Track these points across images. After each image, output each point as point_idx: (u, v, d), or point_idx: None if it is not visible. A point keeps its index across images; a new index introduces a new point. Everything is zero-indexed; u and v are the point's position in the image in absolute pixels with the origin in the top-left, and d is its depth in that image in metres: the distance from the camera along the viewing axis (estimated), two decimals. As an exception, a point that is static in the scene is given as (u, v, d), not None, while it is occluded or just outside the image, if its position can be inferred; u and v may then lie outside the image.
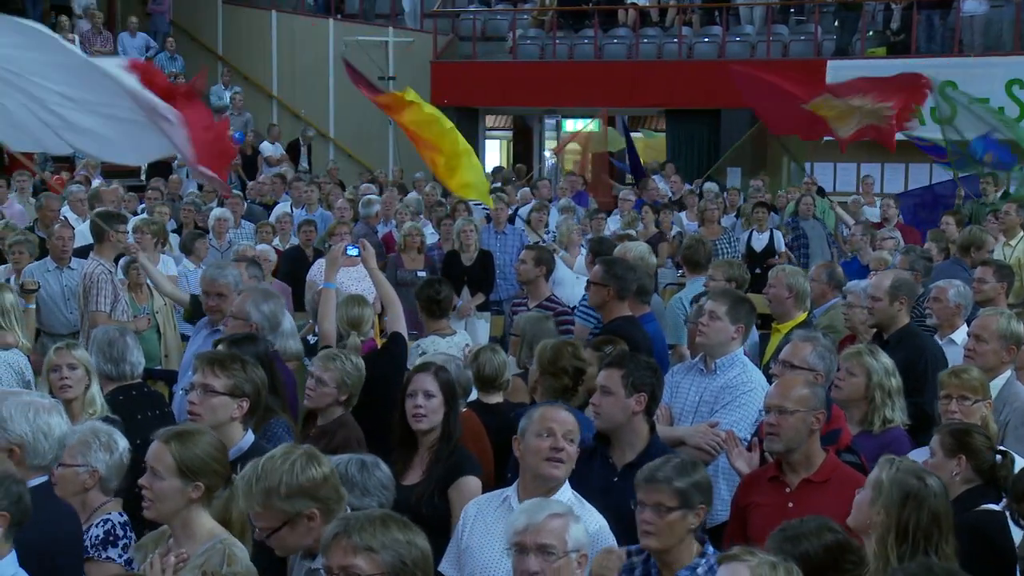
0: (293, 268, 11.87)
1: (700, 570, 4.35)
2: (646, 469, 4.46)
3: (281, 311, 6.82)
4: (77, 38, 21.81)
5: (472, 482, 5.22)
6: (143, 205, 15.02)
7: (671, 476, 4.35)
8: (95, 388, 5.86)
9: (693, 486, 4.36)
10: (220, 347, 5.77)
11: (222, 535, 4.10)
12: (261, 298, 6.78)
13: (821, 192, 18.14)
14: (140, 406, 6.24)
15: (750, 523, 5.01)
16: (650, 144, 22.23)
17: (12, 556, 3.55)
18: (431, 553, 3.52)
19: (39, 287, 9.10)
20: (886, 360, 5.96)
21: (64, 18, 22.26)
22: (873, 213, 15.32)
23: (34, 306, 8.89)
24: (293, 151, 21.99)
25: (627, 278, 7.42)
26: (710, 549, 4.41)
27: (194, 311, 8.29)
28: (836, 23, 22.29)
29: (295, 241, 13.25)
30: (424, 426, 5.29)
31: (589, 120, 21.36)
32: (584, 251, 11.77)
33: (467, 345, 8.10)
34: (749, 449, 5.47)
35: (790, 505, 4.90)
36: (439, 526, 5.01)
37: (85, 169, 18.38)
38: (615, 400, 5.23)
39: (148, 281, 9.66)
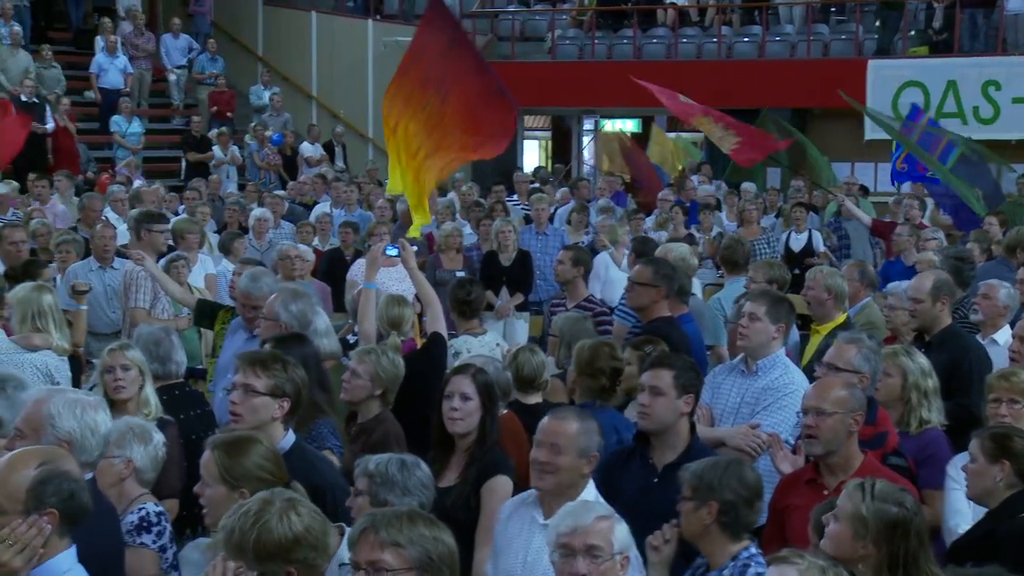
0: (332, 269, 11.93)
1: (727, 572, 4.36)
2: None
3: (311, 310, 6.82)
4: (120, 39, 22.01)
5: (504, 481, 5.20)
6: (183, 206, 15.12)
7: (697, 469, 4.46)
8: (149, 388, 5.91)
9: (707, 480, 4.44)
10: (267, 347, 5.79)
11: None
12: (290, 298, 6.81)
13: (864, 192, 18.04)
14: (183, 405, 6.31)
15: (788, 525, 4.99)
16: (675, 147, 22.13)
17: (68, 553, 3.57)
18: (457, 551, 3.52)
19: (90, 288, 9.17)
20: (922, 360, 5.92)
21: (107, 19, 22.44)
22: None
23: (86, 307, 8.96)
24: (329, 151, 22.09)
25: (674, 278, 7.43)
26: (747, 552, 4.40)
27: (199, 315, 8.30)
28: (877, 22, 22.13)
29: (335, 241, 13.31)
30: (459, 429, 5.29)
31: (629, 120, 21.33)
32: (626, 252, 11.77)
33: (498, 344, 8.14)
34: (794, 451, 5.45)
35: (828, 507, 4.89)
36: (474, 529, 5.02)
37: (126, 169, 18.54)
38: (667, 401, 5.23)
39: (189, 280, 9.74)
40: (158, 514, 4.86)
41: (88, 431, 4.37)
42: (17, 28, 20.60)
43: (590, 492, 4.70)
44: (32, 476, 3.48)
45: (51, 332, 6.62)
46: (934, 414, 5.83)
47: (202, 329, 9.58)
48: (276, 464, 4.25)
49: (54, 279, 9.47)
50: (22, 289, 6.74)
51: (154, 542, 4.78)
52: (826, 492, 4.94)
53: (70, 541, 3.56)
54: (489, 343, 7.98)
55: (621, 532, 3.96)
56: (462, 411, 5.28)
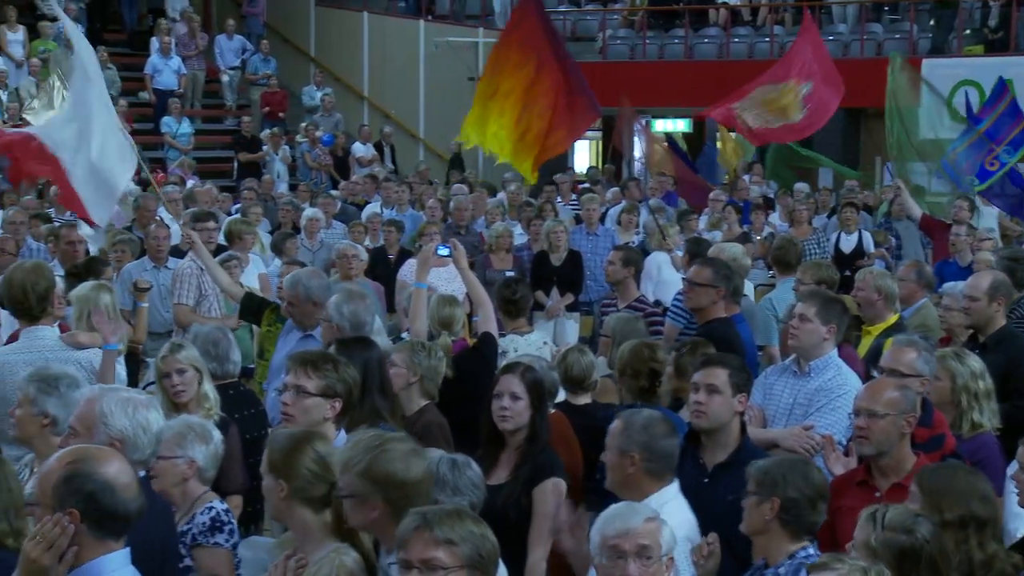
0: (374, 267, 11.98)
1: (782, 570, 4.34)
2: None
3: (364, 311, 6.83)
4: (174, 40, 22.20)
5: (557, 483, 5.21)
6: (237, 205, 15.23)
7: (763, 465, 4.45)
8: (207, 384, 5.95)
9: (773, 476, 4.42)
10: (331, 348, 5.82)
11: (336, 543, 4.12)
12: (344, 300, 6.84)
13: (919, 192, 17.85)
14: (238, 404, 6.35)
15: (839, 528, 4.95)
16: (733, 144, 21.99)
17: (113, 557, 3.54)
18: (499, 549, 3.53)
19: (151, 286, 9.25)
20: (973, 363, 5.86)
21: (162, 21, 22.65)
22: (991, 213, 14.97)
23: (147, 304, 9.03)
24: (378, 151, 22.18)
25: (732, 279, 7.41)
26: (804, 552, 4.38)
27: (245, 309, 8.33)
28: (932, 21, 21.94)
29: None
30: (509, 427, 5.30)
31: (680, 120, 21.25)
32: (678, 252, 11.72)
33: (545, 343, 8.15)
34: (846, 453, 5.42)
35: (879, 510, 4.85)
36: (525, 528, 5.03)
37: (179, 169, 18.71)
38: (723, 399, 5.24)
39: (241, 280, 9.79)
40: (226, 512, 4.90)
41: (140, 429, 4.40)
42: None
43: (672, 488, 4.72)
44: (59, 474, 3.50)
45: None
46: (986, 417, 5.77)
47: (253, 329, 9.64)
48: (324, 466, 4.21)
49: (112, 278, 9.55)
50: (83, 288, 6.81)
51: (227, 541, 4.82)
52: (878, 494, 4.91)
53: (117, 544, 3.52)
54: (536, 342, 8.00)
55: (667, 533, 3.95)
56: (512, 410, 5.30)
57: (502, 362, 6.73)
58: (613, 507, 4.11)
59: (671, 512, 4.62)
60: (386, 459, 3.97)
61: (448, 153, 23.09)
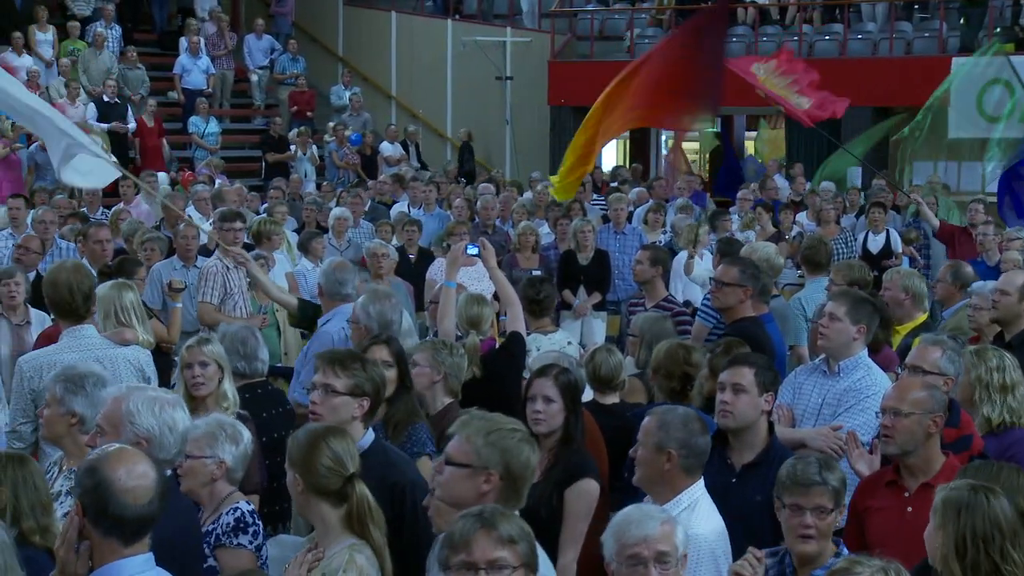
0: (396, 268, 12.01)
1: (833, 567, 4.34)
2: (795, 472, 4.45)
3: (391, 311, 6.85)
4: (203, 40, 22.29)
5: (590, 485, 5.22)
6: (265, 204, 15.28)
7: (827, 479, 4.38)
8: (228, 383, 5.95)
9: (841, 483, 4.41)
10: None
11: (354, 540, 4.15)
12: (370, 300, 6.85)
13: (946, 190, 17.78)
14: (265, 404, 6.37)
15: (867, 528, 4.95)
16: (769, 140, 21.92)
17: (133, 561, 3.50)
18: None
19: (185, 286, 9.28)
20: (993, 357, 5.82)
21: (191, 21, 22.74)
22: None
23: (180, 304, 9.07)
24: (405, 150, 22.22)
25: (760, 278, 7.40)
26: (845, 550, 4.39)
27: (302, 316, 8.36)
28: (961, 19, 21.80)
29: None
30: (543, 430, 5.31)
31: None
32: (707, 252, 11.70)
33: (569, 342, 8.15)
34: (871, 452, 5.41)
35: (909, 510, 4.84)
36: (557, 527, 5.03)
37: (207, 169, 18.78)
38: (750, 399, 5.25)
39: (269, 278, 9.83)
40: (251, 512, 4.90)
41: (167, 428, 4.43)
42: (101, 29, 20.96)
43: (697, 489, 4.72)
44: (80, 467, 3.54)
45: (135, 327, 6.71)
46: (996, 413, 5.69)
47: (280, 328, 9.68)
48: (338, 464, 4.22)
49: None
50: (103, 287, 6.84)
51: (251, 542, 4.82)
52: (907, 495, 4.90)
53: (129, 548, 3.49)
54: (560, 341, 8.01)
55: (680, 533, 3.94)
56: (545, 413, 5.32)
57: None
58: (626, 512, 4.05)
59: (703, 509, 4.63)
60: (516, 437, 4.06)
61: (475, 153, 23.11)
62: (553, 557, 4.91)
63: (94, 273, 8.02)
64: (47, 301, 6.57)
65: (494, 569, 3.35)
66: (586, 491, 5.19)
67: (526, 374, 6.51)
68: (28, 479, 4.26)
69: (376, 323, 6.72)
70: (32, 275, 9.28)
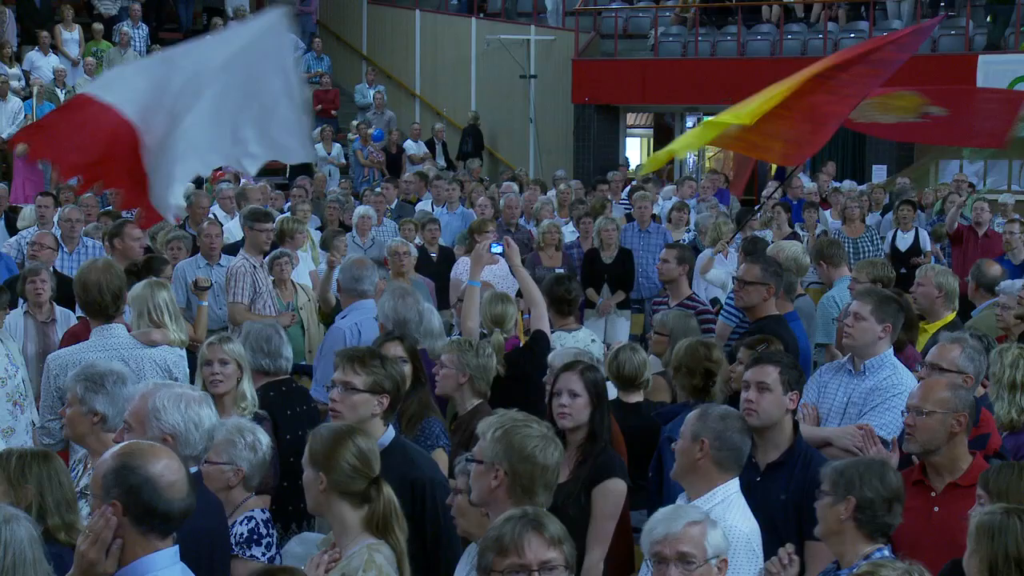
0: (417, 266, 12.01)
1: (856, 571, 4.31)
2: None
3: (406, 309, 6.84)
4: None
5: (618, 484, 5.21)
6: (289, 203, 15.30)
7: (839, 466, 4.43)
8: (247, 383, 5.94)
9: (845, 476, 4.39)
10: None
11: (372, 539, 4.15)
12: (388, 297, 6.86)
13: (972, 188, 17.69)
14: (290, 402, 6.36)
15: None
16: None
17: (161, 555, 3.52)
18: None
19: (211, 284, 9.30)
20: (1011, 353, 5.79)
21: (217, 19, 22.80)
22: None
23: (207, 303, 9.08)
24: (431, 149, 22.22)
25: (782, 276, 7.38)
26: (879, 554, 4.33)
27: (334, 313, 8.35)
28: (988, 17, 21.69)
29: (443, 240, 13.37)
30: (568, 424, 5.30)
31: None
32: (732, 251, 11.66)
33: (593, 340, 8.13)
34: (890, 450, 5.39)
35: (935, 509, 4.82)
36: (584, 526, 5.01)
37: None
38: (774, 397, 5.24)
39: (293, 277, 9.84)
40: (266, 522, 4.91)
41: (192, 425, 4.44)
42: (127, 29, 21.04)
43: (731, 487, 4.70)
44: (107, 467, 3.52)
45: (168, 326, 6.72)
46: (1003, 410, 5.66)
47: (305, 325, 9.68)
48: (364, 459, 4.24)
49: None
50: (137, 286, 6.83)
51: (263, 554, 4.83)
52: (933, 494, 4.87)
53: (164, 542, 3.53)
54: (584, 339, 7.99)
55: (715, 536, 3.90)
56: (571, 407, 5.30)
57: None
58: (663, 509, 4.08)
59: (738, 507, 4.61)
60: (525, 433, 4.07)
61: (499, 151, 23.11)
62: (580, 555, 4.91)
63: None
64: (78, 300, 6.54)
65: (546, 570, 3.37)
66: (613, 490, 5.18)
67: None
68: (53, 476, 4.28)
69: (391, 320, 6.72)
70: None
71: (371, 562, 4.03)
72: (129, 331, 6.46)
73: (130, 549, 3.47)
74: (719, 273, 10.97)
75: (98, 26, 21.20)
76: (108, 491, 3.47)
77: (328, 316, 8.48)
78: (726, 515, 4.55)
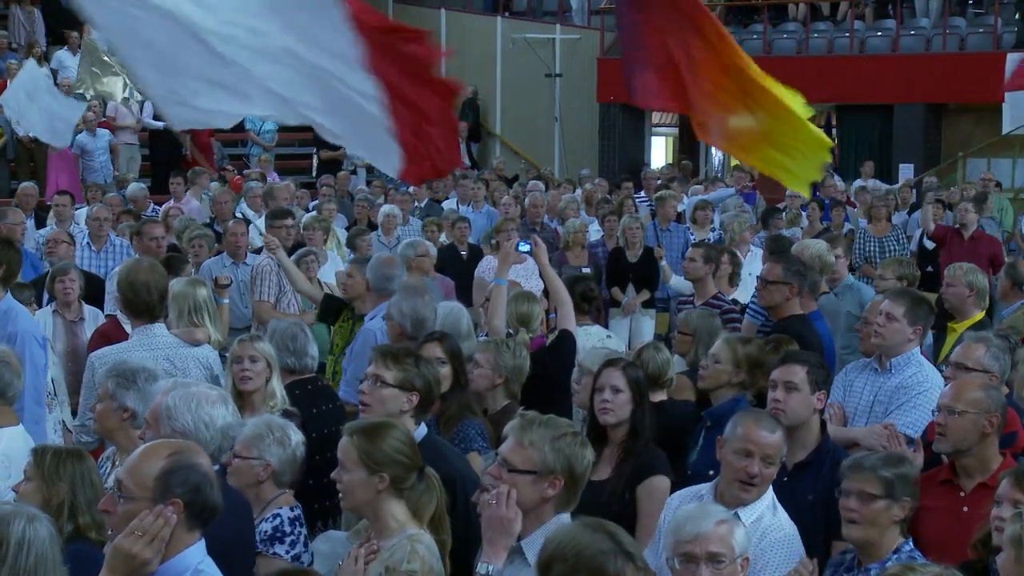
0: (446, 265, 12.03)
1: (890, 564, 4.29)
2: (852, 460, 4.52)
3: (424, 307, 6.80)
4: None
5: (662, 482, 5.20)
6: (315, 202, 15.34)
7: (877, 465, 4.37)
8: (276, 381, 5.94)
9: (898, 477, 4.35)
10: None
11: (413, 529, 4.14)
12: (403, 297, 6.85)
13: (999, 187, 17.61)
14: (317, 399, 6.35)
15: (921, 527, 4.89)
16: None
17: (198, 547, 3.60)
18: None
19: (231, 282, 9.32)
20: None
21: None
22: None
23: (227, 301, 9.10)
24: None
25: (805, 274, 7.36)
26: (907, 546, 4.35)
27: (324, 311, 8.35)
28: (1017, 15, 21.56)
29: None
30: (611, 420, 5.32)
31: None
32: (753, 249, 11.64)
33: (608, 335, 8.15)
34: (915, 449, 5.38)
35: (964, 509, 4.79)
36: (628, 524, 4.99)
37: (260, 166, 18.88)
38: (802, 397, 5.24)
39: (319, 276, 9.86)
40: (292, 520, 4.90)
41: (202, 425, 4.46)
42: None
43: (766, 498, 4.68)
44: (161, 466, 3.54)
45: (208, 326, 6.73)
46: None
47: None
48: (412, 448, 4.27)
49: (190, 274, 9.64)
50: (177, 284, 6.82)
51: (287, 552, 4.82)
52: (962, 494, 4.85)
53: (199, 535, 3.59)
54: (599, 335, 8.01)
55: (740, 535, 3.91)
56: (613, 403, 5.31)
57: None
58: (684, 509, 4.09)
59: (780, 507, 4.63)
60: (578, 441, 4.07)
61: (524, 150, 23.11)
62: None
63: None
64: (123, 300, 6.40)
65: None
66: (657, 487, 5.17)
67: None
68: (86, 475, 4.32)
69: (409, 321, 6.70)
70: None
71: (415, 553, 4.03)
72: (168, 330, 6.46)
73: (171, 545, 3.51)
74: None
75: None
76: (168, 490, 3.51)
77: (321, 314, 8.48)
78: (777, 515, 4.59)
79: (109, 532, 3.64)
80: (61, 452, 4.39)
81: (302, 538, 4.93)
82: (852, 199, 16.79)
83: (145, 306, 6.29)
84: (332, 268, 10.75)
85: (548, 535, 3.53)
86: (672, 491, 5.48)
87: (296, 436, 5.06)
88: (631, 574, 3.30)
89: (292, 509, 4.96)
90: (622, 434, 5.32)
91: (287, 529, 4.86)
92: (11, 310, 6.47)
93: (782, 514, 4.63)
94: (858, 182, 18.41)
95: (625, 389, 5.33)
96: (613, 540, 3.34)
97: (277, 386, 5.95)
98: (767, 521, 4.55)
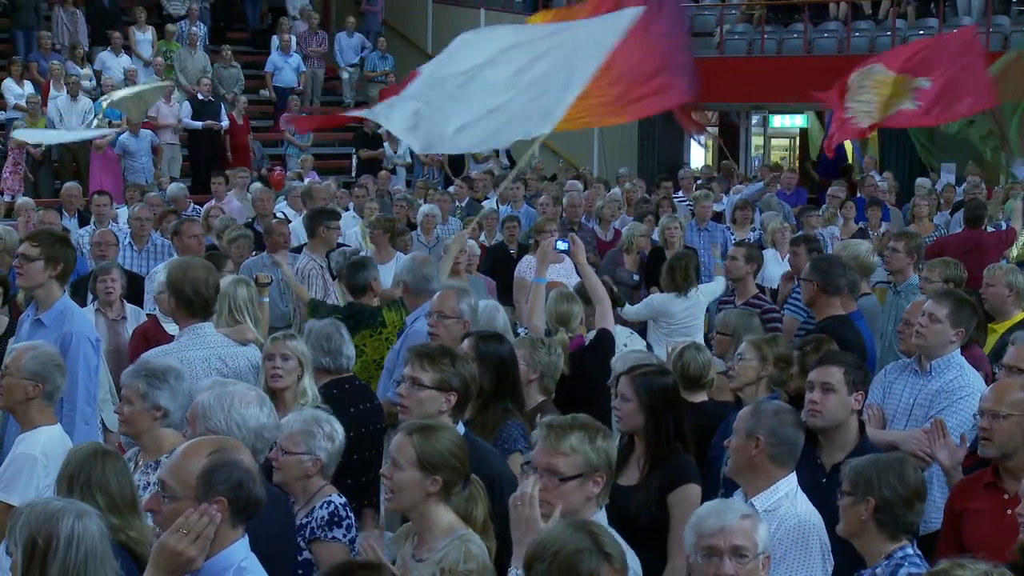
0: (495, 263, 12.03)
1: (879, 570, 4.31)
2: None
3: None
4: (294, 38, 22.51)
5: (693, 490, 5.11)
6: (352, 203, 15.38)
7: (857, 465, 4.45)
8: (308, 380, 5.95)
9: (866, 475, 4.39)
10: (466, 342, 5.82)
11: (462, 530, 4.16)
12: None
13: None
14: (353, 398, 6.36)
15: (964, 530, 4.88)
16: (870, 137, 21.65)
17: (241, 543, 3.62)
18: None
19: (271, 280, 9.34)
20: None
21: (283, 19, 22.97)
22: None
23: (267, 299, 9.12)
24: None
25: (832, 273, 7.32)
26: (902, 552, 4.31)
27: (312, 313, 8.35)
28: (1059, 13, 21.39)
29: (500, 237, 13.41)
30: (620, 427, 5.29)
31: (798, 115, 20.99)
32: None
33: (631, 333, 8.14)
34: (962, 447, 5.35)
35: (1008, 512, 4.74)
36: (656, 534, 4.96)
37: (300, 166, 18.97)
38: (839, 398, 5.21)
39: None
40: (344, 506, 4.93)
41: (235, 425, 4.48)
42: (195, 29, 21.25)
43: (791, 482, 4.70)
44: (203, 464, 3.57)
45: (247, 323, 6.76)
46: None
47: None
48: (465, 454, 4.29)
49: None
50: (221, 282, 6.84)
51: (344, 535, 4.86)
52: (1006, 496, 4.81)
53: (242, 531, 3.62)
54: (621, 334, 7.96)
55: (763, 531, 3.89)
56: (621, 411, 5.26)
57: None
58: (707, 504, 4.07)
59: (802, 499, 4.63)
60: (607, 437, 4.23)
61: (563, 150, 23.07)
62: (653, 560, 4.86)
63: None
64: (177, 299, 6.32)
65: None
66: (691, 495, 5.06)
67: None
68: (120, 475, 4.33)
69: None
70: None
71: (469, 554, 4.05)
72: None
73: (216, 541, 3.55)
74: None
75: (172, 27, 21.42)
76: (211, 488, 3.55)
77: (313, 311, 8.50)
78: (796, 508, 4.55)
79: (156, 531, 3.68)
80: (98, 451, 4.40)
81: (355, 525, 4.95)
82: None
83: (204, 303, 6.27)
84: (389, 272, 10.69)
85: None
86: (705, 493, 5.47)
87: (341, 430, 5.11)
88: (606, 574, 3.35)
89: (340, 496, 5.00)
90: (645, 441, 5.23)
91: (342, 513, 4.90)
92: (67, 310, 6.47)
93: (801, 503, 4.60)
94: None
95: (632, 398, 5.19)
96: (593, 539, 3.41)
97: (309, 385, 5.96)
98: (784, 510, 4.56)
